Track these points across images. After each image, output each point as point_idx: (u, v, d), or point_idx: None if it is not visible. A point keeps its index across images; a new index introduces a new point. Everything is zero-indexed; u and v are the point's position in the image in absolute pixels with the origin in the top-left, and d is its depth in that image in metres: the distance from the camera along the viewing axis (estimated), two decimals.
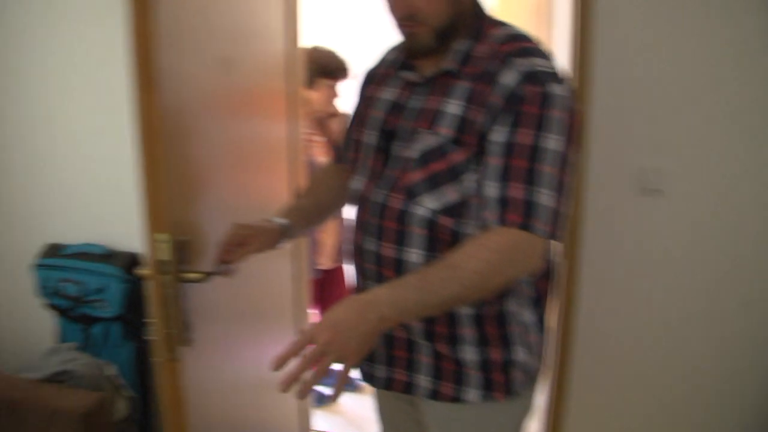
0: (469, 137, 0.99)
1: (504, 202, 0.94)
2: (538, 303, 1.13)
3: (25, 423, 1.68)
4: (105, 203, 2.02)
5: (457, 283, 0.90)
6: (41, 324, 2.16)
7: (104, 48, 1.89)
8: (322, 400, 2.54)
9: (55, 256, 2.02)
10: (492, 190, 0.96)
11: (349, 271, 2.49)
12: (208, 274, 1.06)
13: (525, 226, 0.93)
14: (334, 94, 2.29)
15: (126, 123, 1.91)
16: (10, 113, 2.08)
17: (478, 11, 1.07)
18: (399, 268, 1.05)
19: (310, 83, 2.18)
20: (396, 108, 1.09)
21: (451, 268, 0.92)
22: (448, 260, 0.93)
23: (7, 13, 2.00)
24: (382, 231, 1.06)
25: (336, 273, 2.49)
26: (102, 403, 1.73)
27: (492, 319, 1.06)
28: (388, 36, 1.13)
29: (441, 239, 1.03)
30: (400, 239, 1.04)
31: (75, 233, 2.07)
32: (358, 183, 1.14)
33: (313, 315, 2.28)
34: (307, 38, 2.07)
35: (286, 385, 0.84)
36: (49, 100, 2.03)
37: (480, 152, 0.98)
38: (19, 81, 2.04)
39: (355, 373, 1.02)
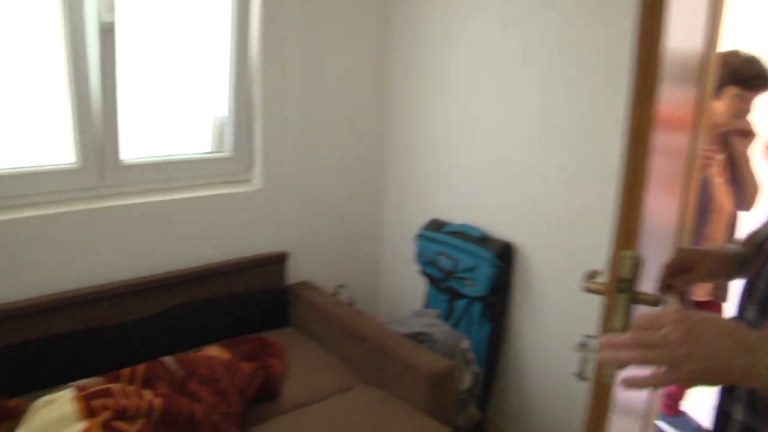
0: None
1: None
2: None
3: (385, 366, 1.92)
4: (486, 192, 2.18)
5: None
6: (414, 288, 2.46)
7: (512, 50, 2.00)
8: None
9: (437, 231, 2.25)
10: None
11: (725, 310, 2.17)
12: (659, 299, 1.00)
13: None
14: (744, 107, 1.99)
15: (512, 126, 1.99)
16: (425, 111, 2.38)
17: None
18: None
19: (718, 91, 1.93)
20: None
21: None
22: None
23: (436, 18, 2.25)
24: (767, 303, 0.84)
25: (708, 307, 2.21)
26: (451, 371, 1.87)
27: None
28: None
29: None
30: None
31: (456, 213, 2.27)
32: (766, 228, 0.92)
33: None
34: (728, 41, 1.80)
35: (602, 348, 0.73)
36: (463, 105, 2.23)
37: None
38: (449, 85, 2.29)
39: None
